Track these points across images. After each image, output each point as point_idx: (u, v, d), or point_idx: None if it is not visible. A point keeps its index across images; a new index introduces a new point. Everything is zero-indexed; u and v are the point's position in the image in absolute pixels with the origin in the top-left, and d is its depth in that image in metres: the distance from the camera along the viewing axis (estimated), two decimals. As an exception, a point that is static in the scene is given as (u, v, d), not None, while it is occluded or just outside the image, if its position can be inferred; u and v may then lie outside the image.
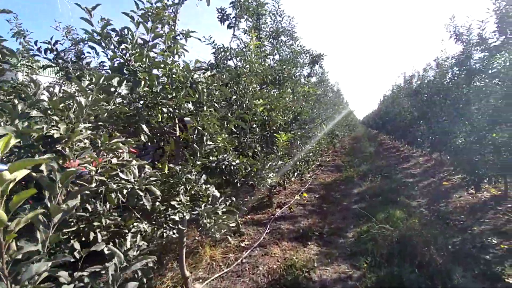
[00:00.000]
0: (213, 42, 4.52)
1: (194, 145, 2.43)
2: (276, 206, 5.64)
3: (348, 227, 4.75)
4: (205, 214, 2.14)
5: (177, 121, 2.82)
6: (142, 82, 2.23)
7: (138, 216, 2.23)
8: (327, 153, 16.27)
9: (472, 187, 5.15)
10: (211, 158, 2.85)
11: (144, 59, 2.17)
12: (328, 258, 3.70)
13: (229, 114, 3.42)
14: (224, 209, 2.32)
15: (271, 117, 4.37)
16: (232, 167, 2.96)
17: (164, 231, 2.20)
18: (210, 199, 2.29)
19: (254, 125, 4.00)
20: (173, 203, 2.46)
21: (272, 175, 3.49)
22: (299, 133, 5.20)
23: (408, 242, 3.82)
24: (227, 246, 3.95)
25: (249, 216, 5.11)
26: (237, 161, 3.01)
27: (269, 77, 5.50)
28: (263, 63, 5.35)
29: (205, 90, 2.38)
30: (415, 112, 10.75)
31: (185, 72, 2.41)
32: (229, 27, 4.49)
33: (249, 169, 3.15)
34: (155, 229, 2.19)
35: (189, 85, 2.29)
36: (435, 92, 8.92)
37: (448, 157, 8.22)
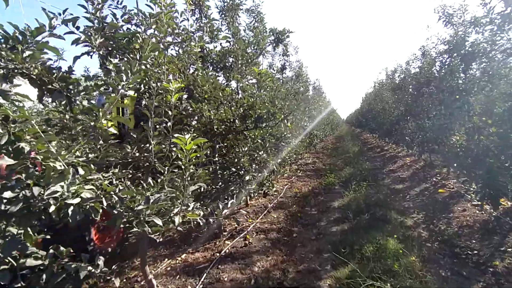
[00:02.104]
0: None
1: None
2: (228, 236, 4.15)
3: (323, 269, 3.33)
4: None
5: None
6: None
7: None
8: (308, 155, 14.97)
9: (487, 202, 3.84)
10: (9, 193, 1.34)
11: None
12: None
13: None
14: None
15: (201, 110, 2.90)
16: (71, 208, 1.47)
17: None
18: None
19: (169, 124, 2.51)
20: None
21: (175, 210, 2.02)
22: (252, 134, 3.75)
23: (413, 306, 2.44)
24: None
25: (183, 256, 3.60)
26: (88, 194, 1.53)
27: (214, 57, 4.05)
28: (197, 37, 3.85)
29: None
30: (401, 107, 9.54)
31: None
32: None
33: (119, 207, 1.67)
34: None
35: None
36: (424, 83, 7.70)
37: (442, 159, 6.99)
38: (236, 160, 3.35)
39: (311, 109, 13.80)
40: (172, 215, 2.05)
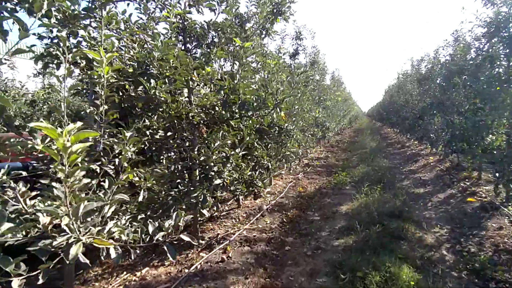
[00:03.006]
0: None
1: None
2: (205, 246, 3.48)
3: (313, 302, 2.60)
4: None
5: None
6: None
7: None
8: (321, 148, 14.08)
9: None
10: None
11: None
12: None
13: None
14: None
15: (155, 93, 2.18)
16: None
17: None
18: None
19: (102, 108, 1.84)
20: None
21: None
22: (235, 125, 3.01)
23: None
24: None
25: (143, 271, 2.96)
26: None
27: (198, 31, 3.33)
28: None
29: None
30: (427, 100, 8.42)
31: None
32: None
33: None
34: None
35: None
36: (456, 72, 6.62)
37: (472, 161, 5.98)
38: (203, 158, 2.63)
39: (326, 99, 12.83)
40: (70, 242, 1.38)
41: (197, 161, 2.62)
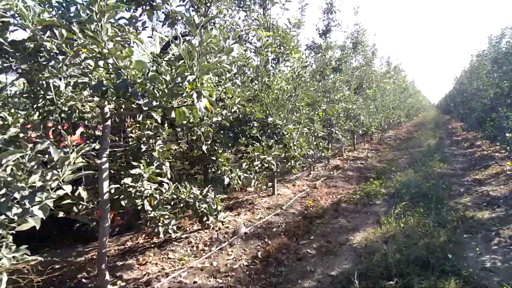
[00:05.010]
0: None
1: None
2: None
3: None
4: None
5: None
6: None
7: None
8: (366, 145, 12.09)
9: None
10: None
11: None
12: None
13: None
14: None
15: None
16: None
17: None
18: None
19: None
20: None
21: None
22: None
23: None
24: None
25: None
26: None
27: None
28: None
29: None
30: (504, 83, 6.08)
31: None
32: None
33: None
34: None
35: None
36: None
37: None
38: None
39: (371, 87, 10.84)
40: None
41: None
